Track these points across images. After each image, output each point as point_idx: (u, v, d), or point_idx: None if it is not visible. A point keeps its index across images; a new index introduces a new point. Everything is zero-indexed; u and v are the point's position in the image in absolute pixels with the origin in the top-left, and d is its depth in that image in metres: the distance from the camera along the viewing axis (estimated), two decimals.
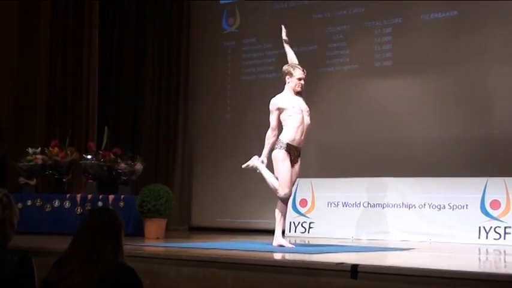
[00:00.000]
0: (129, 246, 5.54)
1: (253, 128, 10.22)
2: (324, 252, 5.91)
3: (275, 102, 6.57)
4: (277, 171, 6.47)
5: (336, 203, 8.69)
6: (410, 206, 8.27)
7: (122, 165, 8.80)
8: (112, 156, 8.87)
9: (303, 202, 8.96)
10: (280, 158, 6.42)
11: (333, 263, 4.74)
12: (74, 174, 9.43)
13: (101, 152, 8.95)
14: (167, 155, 10.80)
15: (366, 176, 8.70)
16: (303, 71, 6.63)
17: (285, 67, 6.69)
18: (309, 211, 8.87)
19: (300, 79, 6.58)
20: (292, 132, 6.47)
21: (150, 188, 8.10)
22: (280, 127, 6.58)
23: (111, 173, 8.89)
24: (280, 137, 6.50)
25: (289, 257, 5.46)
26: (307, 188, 8.94)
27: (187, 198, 10.65)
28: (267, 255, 5.69)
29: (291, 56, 6.88)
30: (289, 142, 6.45)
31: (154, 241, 7.55)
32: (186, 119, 10.80)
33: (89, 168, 8.89)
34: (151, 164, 10.27)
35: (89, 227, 3.35)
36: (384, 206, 8.43)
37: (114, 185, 8.97)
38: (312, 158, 9.73)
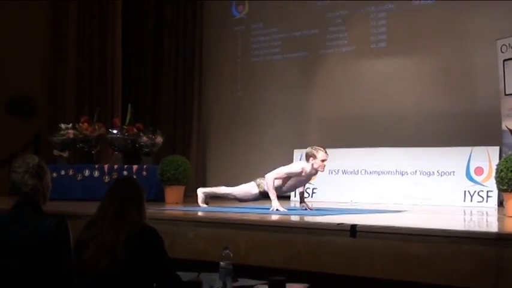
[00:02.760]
0: (152, 210, 5.54)
1: (260, 104, 10.22)
2: (326, 215, 5.92)
3: (299, 171, 6.42)
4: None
5: (336, 171, 8.67)
6: (403, 173, 8.25)
7: (144, 138, 8.79)
8: (135, 130, 8.86)
9: None
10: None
11: (334, 223, 4.75)
12: (102, 147, 9.42)
13: (125, 127, 8.93)
14: (184, 128, 10.78)
15: (363, 146, 8.68)
16: (325, 152, 6.39)
17: (309, 149, 6.43)
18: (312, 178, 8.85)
19: (323, 160, 6.35)
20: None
21: (170, 159, 8.09)
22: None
23: (134, 145, 8.89)
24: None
25: (294, 219, 5.47)
26: None
27: (202, 167, 10.66)
28: (274, 217, 5.71)
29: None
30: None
31: (174, 205, 7.56)
32: (200, 96, 10.77)
33: (114, 141, 8.89)
34: (170, 137, 10.25)
35: (115, 194, 3.37)
36: (380, 173, 8.42)
37: (138, 156, 8.98)
38: (314, 130, 9.72)
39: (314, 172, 6.49)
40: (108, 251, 3.13)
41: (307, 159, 6.40)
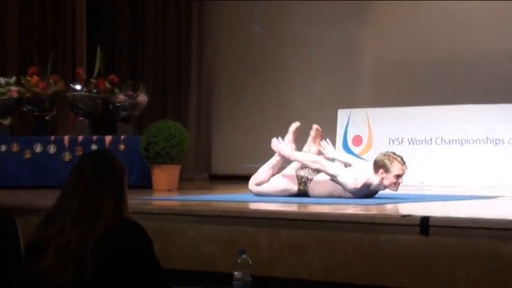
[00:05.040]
0: (134, 200, 5.59)
1: (288, 45, 10.21)
2: (386, 203, 5.95)
3: (354, 187, 6.29)
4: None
5: (399, 140, 8.69)
6: (497, 142, 8.27)
7: (121, 96, 8.83)
8: (107, 85, 8.90)
9: (357, 140, 8.96)
10: None
11: (398, 215, 4.78)
12: (60, 110, 9.50)
13: (93, 80, 8.98)
14: (178, 82, 10.82)
15: (437, 103, 8.68)
16: (403, 164, 6.20)
17: (380, 157, 6.27)
18: (364, 151, 8.88)
19: (398, 176, 6.14)
20: None
21: (159, 126, 8.14)
22: None
23: (107, 107, 8.94)
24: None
25: (340, 209, 5.50)
26: (362, 121, 8.94)
27: (205, 139, 10.71)
28: (310, 208, 5.75)
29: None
30: None
31: (166, 193, 7.63)
32: (201, 33, 10.76)
33: (78, 101, 8.94)
34: (158, 95, 10.31)
35: (83, 175, 3.40)
36: (463, 141, 8.43)
37: (112, 122, 9.05)
38: (368, 83, 9.73)
39: (381, 189, 6.34)
40: (74, 257, 3.17)
41: (376, 170, 6.23)
